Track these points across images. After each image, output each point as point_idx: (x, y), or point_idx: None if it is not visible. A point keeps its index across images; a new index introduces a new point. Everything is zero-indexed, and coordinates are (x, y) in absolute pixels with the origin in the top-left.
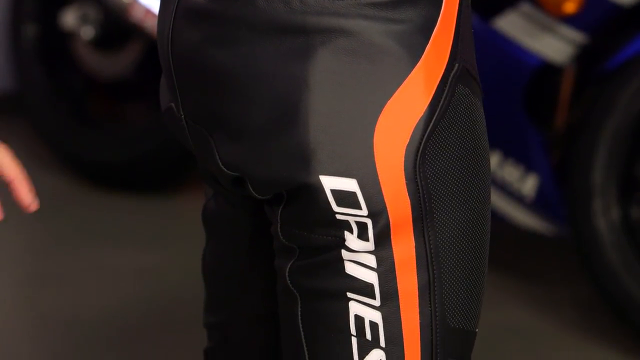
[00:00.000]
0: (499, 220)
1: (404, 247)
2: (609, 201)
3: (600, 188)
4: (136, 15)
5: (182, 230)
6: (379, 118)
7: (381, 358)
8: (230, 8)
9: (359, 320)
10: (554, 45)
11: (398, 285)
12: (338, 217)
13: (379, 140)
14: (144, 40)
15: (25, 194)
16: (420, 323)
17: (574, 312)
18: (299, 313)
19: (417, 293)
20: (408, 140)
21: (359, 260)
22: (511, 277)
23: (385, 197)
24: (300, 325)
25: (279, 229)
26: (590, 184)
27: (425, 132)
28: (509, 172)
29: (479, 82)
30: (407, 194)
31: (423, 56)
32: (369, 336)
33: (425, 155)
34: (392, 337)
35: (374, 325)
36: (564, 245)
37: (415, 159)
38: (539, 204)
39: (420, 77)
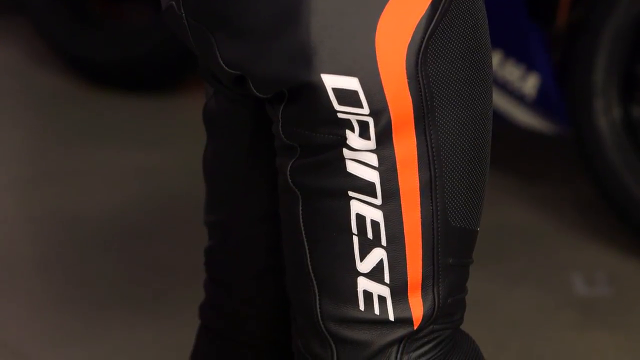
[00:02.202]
0: (499, 119)
1: (406, 146)
2: (610, 100)
3: (601, 87)
4: None
5: (182, 129)
6: (381, 16)
7: (382, 257)
8: None
9: (360, 219)
10: None
11: (399, 184)
12: (339, 115)
13: (380, 39)
14: None
15: None
16: (422, 222)
17: (574, 211)
18: (300, 212)
19: (418, 192)
20: (410, 38)
21: (360, 159)
22: (512, 176)
23: (386, 95)
24: (302, 224)
25: (280, 128)
26: (591, 83)
27: (427, 30)
28: (510, 72)
29: None
30: (408, 92)
31: None
32: (370, 235)
33: (427, 54)
34: (394, 236)
35: (375, 224)
36: (564, 145)
37: (417, 58)
38: (540, 103)
39: None
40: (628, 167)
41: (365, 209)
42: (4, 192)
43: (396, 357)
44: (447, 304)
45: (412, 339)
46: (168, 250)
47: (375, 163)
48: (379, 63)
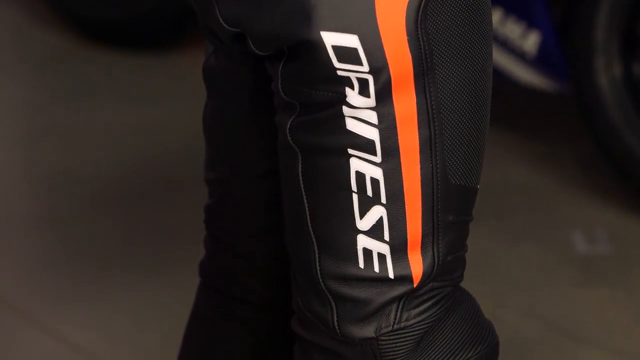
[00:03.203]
0: (500, 77)
1: (406, 104)
2: (610, 58)
3: (602, 45)
4: None
5: (182, 87)
6: None
7: (382, 214)
8: None
9: (360, 176)
10: None
11: (399, 141)
12: (339, 73)
13: None
14: None
15: None
16: (422, 179)
17: (574, 168)
18: (300, 170)
19: (418, 149)
20: None
21: (360, 116)
22: (512, 134)
23: (386, 53)
24: (301, 182)
25: (279, 85)
26: (592, 41)
27: None
28: (511, 29)
29: None
30: (408, 50)
31: None
32: (369, 192)
33: (427, 12)
34: (393, 194)
35: (374, 182)
36: (565, 102)
37: (417, 15)
38: (540, 60)
39: None
40: (628, 124)
41: (364, 167)
42: (2, 150)
43: (396, 315)
44: (447, 262)
45: (411, 296)
46: (168, 208)
47: (375, 121)
48: (378, 20)
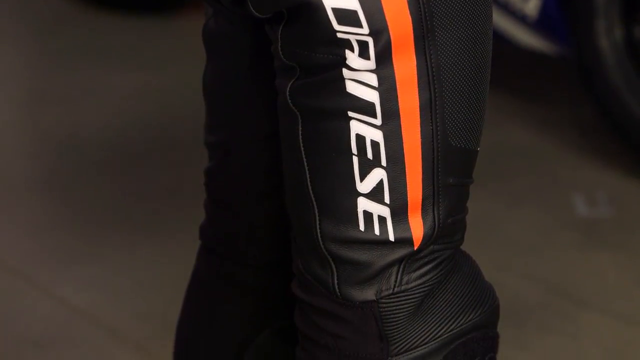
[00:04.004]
0: (501, 40)
1: (406, 66)
2: (611, 21)
3: (603, 8)
4: None
5: (182, 50)
6: None
7: (382, 177)
8: None
9: (360, 139)
10: None
11: (399, 103)
12: (339, 35)
13: None
14: None
15: None
16: (422, 142)
17: (574, 131)
18: (300, 133)
19: (418, 112)
20: None
21: (360, 79)
22: (512, 96)
23: (386, 15)
24: (301, 145)
25: (279, 48)
26: (593, 4)
27: None
28: None
29: None
30: (408, 12)
31: None
32: (370, 155)
33: None
34: (393, 156)
35: (375, 144)
36: (565, 66)
37: None
38: (541, 23)
39: None
40: (629, 87)
41: (365, 129)
42: (4, 112)
43: (396, 278)
44: (448, 224)
45: (412, 259)
46: (168, 171)
47: (375, 83)
48: None
